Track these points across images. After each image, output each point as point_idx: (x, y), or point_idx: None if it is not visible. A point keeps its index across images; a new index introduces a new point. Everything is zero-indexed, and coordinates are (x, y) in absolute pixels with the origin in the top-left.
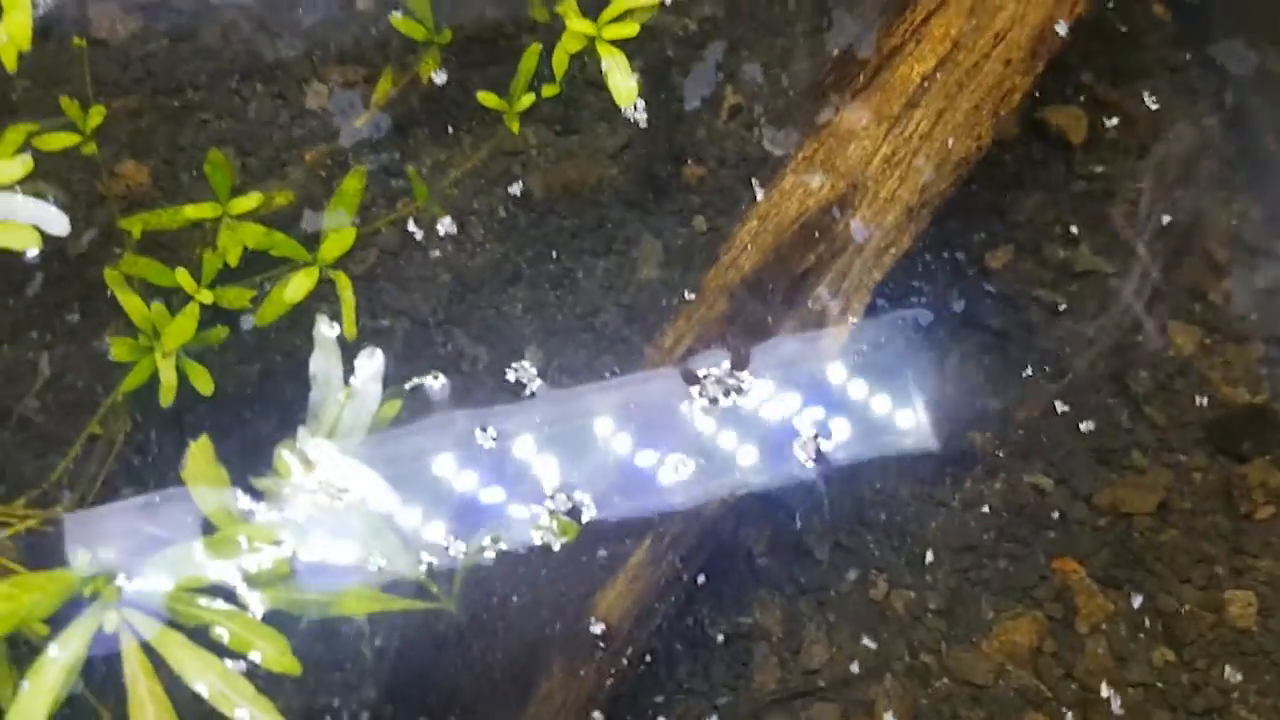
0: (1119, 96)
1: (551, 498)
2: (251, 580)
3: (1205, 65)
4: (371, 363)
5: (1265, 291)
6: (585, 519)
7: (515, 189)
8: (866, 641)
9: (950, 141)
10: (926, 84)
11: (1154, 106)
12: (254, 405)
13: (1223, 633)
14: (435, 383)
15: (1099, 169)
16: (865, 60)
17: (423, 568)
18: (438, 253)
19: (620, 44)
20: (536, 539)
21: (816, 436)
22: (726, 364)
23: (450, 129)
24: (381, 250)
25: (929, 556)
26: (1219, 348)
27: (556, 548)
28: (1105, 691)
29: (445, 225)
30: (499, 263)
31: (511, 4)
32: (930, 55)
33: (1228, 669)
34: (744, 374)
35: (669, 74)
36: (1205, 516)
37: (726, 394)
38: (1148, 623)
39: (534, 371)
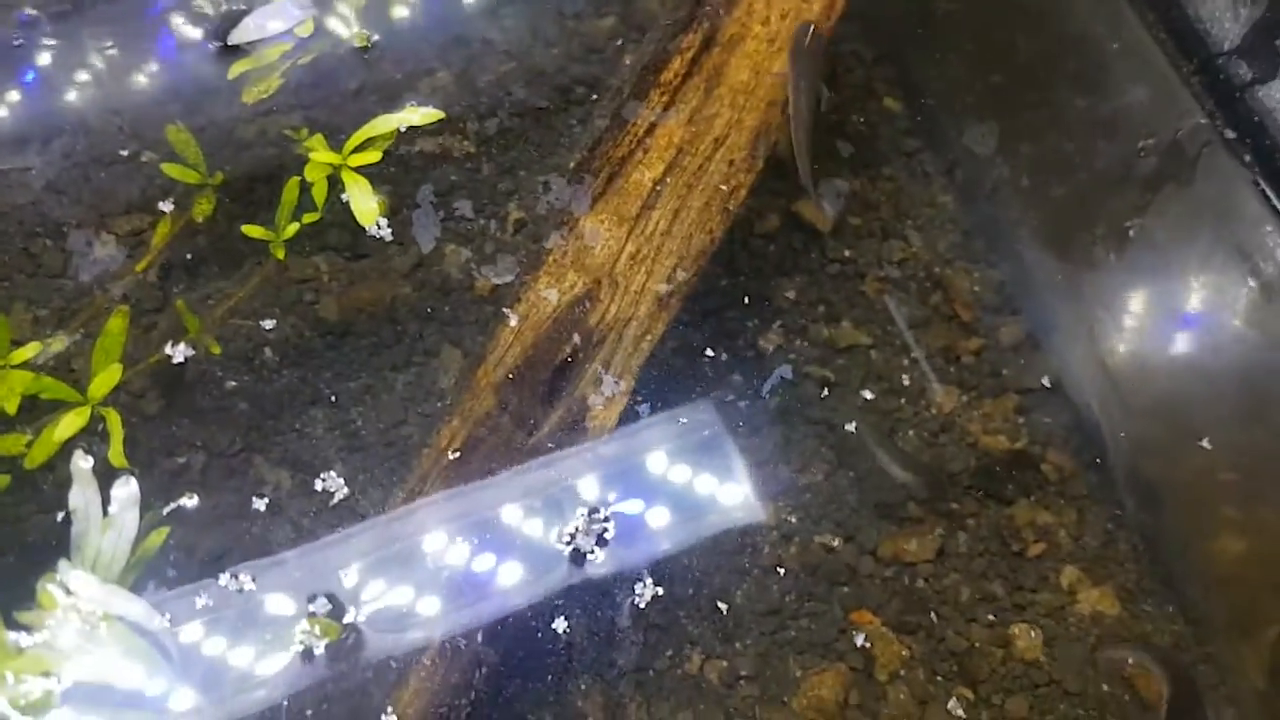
0: (859, 184)
1: (313, 601)
2: (21, 710)
3: (936, 149)
4: (126, 491)
5: (1011, 348)
6: (354, 619)
7: (309, 314)
8: (685, 715)
9: (688, 237)
10: (659, 187)
11: (892, 190)
12: (29, 545)
13: (1013, 666)
14: (192, 504)
15: (848, 253)
16: (598, 169)
17: (192, 687)
18: (234, 383)
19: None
20: (299, 644)
21: (613, 521)
22: (584, 513)
23: (234, 264)
24: (175, 387)
25: (737, 624)
26: (976, 403)
27: (320, 650)
28: None
29: (240, 357)
30: (297, 387)
31: (284, 144)
32: (658, 161)
33: (1021, 701)
34: (602, 516)
35: (456, 194)
36: (982, 558)
37: (600, 542)
38: (943, 665)
39: (336, 489)
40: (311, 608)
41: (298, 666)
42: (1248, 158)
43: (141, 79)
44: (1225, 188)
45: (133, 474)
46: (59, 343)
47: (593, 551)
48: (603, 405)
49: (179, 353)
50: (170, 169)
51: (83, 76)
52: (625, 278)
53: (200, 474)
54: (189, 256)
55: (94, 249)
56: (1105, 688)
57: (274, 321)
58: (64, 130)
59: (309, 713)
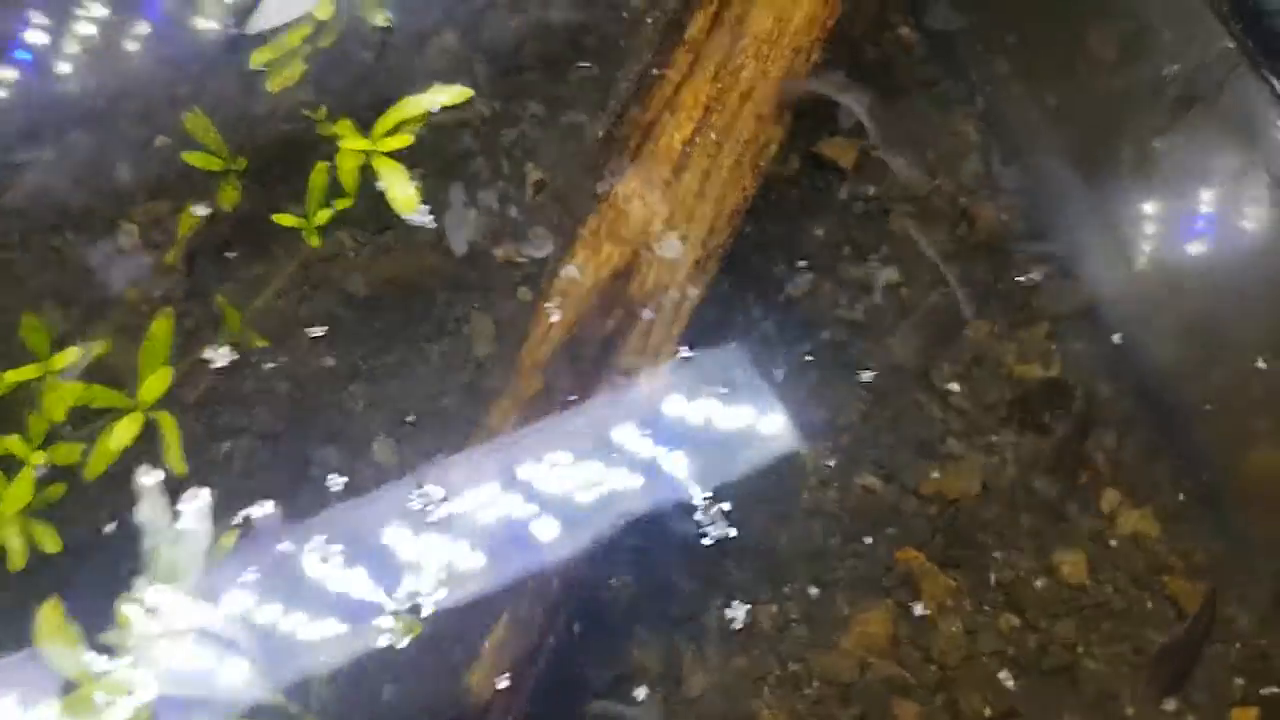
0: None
1: (391, 595)
2: None
3: (956, 78)
4: (197, 503)
5: (1043, 276)
6: (435, 603)
7: (339, 291)
8: (739, 660)
9: (721, 197)
10: (688, 149)
11: (913, 122)
12: (102, 556)
13: (1060, 592)
14: (267, 508)
15: (872, 190)
16: (627, 136)
17: (278, 689)
18: (271, 365)
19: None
20: (383, 641)
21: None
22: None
23: (262, 247)
24: (214, 372)
25: (783, 569)
26: (1009, 333)
27: (404, 645)
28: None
29: (274, 337)
30: (335, 364)
31: (303, 123)
32: (687, 122)
33: (1069, 625)
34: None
35: (474, 160)
36: (1024, 489)
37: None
38: (990, 595)
39: (387, 465)
40: (390, 603)
41: (377, 653)
42: (1274, 82)
43: (157, 68)
44: (1252, 112)
45: (206, 486)
46: (102, 346)
47: (656, 501)
48: (649, 374)
49: (221, 356)
50: (191, 157)
51: (96, 65)
52: (661, 245)
53: (246, 460)
54: (217, 243)
55: (119, 241)
56: (1149, 605)
57: (306, 303)
58: (78, 121)
59: (390, 693)
